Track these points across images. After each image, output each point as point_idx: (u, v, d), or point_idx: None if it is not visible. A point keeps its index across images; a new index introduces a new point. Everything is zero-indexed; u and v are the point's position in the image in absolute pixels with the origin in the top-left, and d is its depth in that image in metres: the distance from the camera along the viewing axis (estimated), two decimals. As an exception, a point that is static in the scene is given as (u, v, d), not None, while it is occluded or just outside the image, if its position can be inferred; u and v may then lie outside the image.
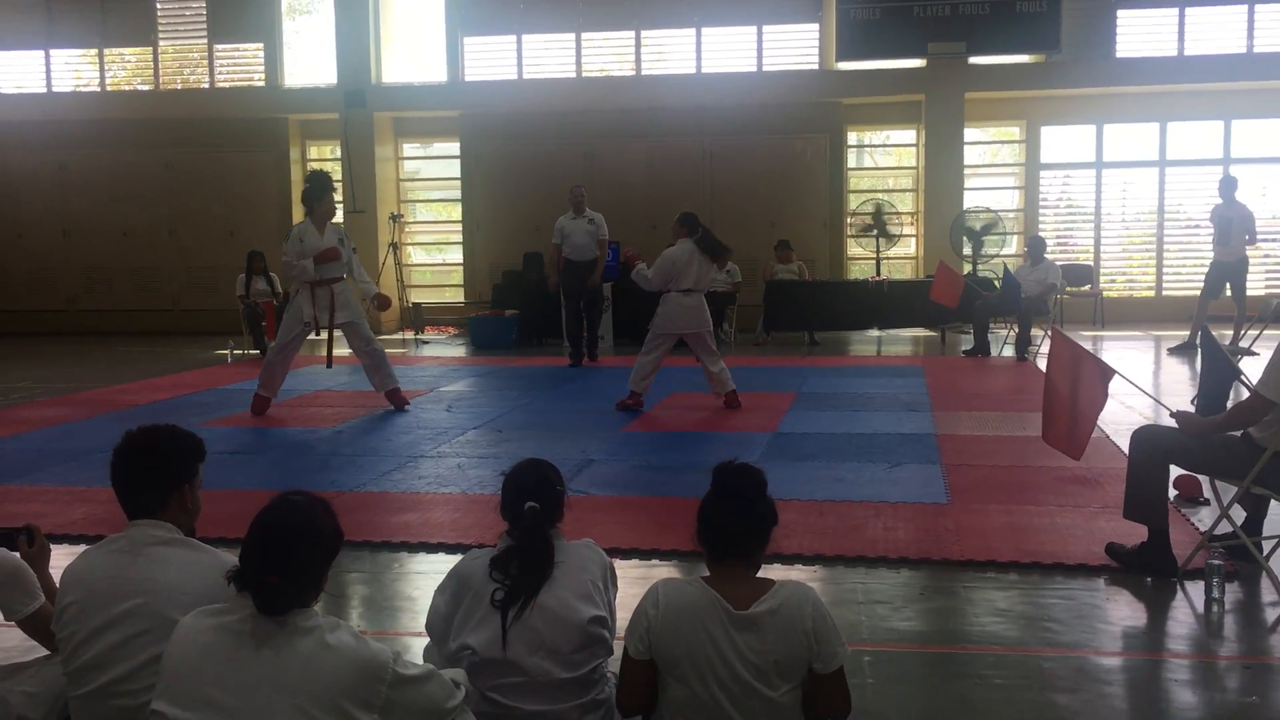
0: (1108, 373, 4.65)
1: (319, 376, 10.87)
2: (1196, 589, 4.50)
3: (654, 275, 8.80)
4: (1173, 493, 5.40)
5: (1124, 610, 4.42)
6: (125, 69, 17.57)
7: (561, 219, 12.29)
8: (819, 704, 2.72)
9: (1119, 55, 15.20)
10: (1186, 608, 4.42)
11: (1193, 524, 5.35)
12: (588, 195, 12.38)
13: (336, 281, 8.74)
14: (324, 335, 9.03)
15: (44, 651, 3.23)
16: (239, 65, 17.04)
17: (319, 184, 8.85)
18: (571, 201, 12.25)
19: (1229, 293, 12.27)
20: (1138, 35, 15.31)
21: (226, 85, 16.99)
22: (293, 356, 9.06)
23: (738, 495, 2.77)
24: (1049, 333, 12.13)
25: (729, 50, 16.04)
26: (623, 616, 2.94)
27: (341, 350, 9.36)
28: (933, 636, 4.13)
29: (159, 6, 16.85)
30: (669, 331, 8.88)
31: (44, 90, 17.28)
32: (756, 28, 15.87)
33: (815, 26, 15.76)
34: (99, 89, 17.24)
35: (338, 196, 16.56)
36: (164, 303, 17.02)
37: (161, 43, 17.06)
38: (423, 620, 3.26)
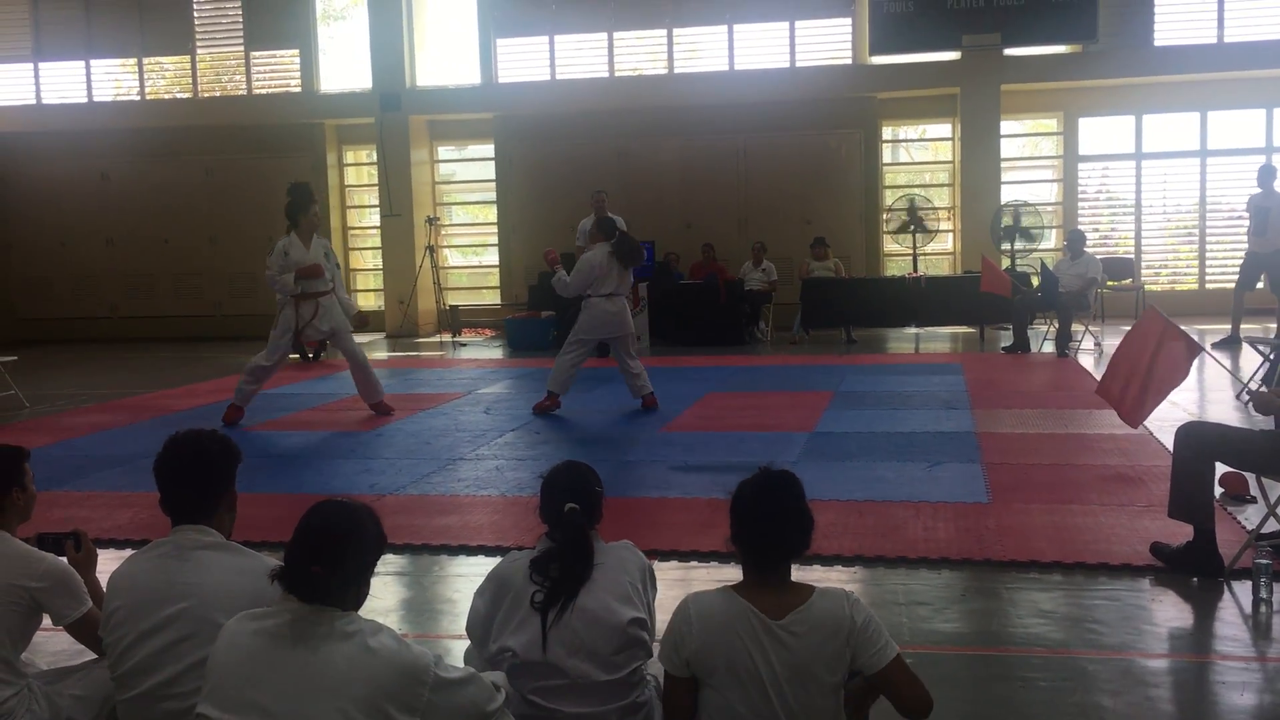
0: (1194, 349, 4.59)
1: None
2: (1244, 589, 4.43)
3: (573, 280, 8.77)
4: (1219, 490, 5.32)
5: (1170, 611, 4.36)
6: (164, 78, 17.80)
7: (584, 221, 12.65)
8: (895, 705, 2.69)
9: (1157, 44, 14.98)
10: (1234, 608, 4.35)
11: (1239, 522, 5.27)
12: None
13: (323, 295, 8.72)
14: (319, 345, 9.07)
15: (91, 655, 3.27)
16: (275, 72, 17.20)
17: (302, 196, 8.72)
18: (593, 205, 12.61)
19: (1262, 284, 12.07)
20: (1176, 23, 15.07)
21: (263, 92, 17.16)
22: (275, 371, 9.04)
23: (773, 506, 2.74)
24: (1089, 329, 11.92)
25: (762, 47, 15.98)
26: (661, 619, 2.94)
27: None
28: (975, 638, 4.10)
29: (196, 15, 17.04)
30: (591, 337, 8.87)
31: (85, 100, 17.54)
32: (789, 23, 15.80)
33: (848, 21, 15.67)
34: (139, 98, 17.48)
35: (373, 199, 16.88)
36: (205, 308, 17.23)
37: (199, 51, 17.26)
38: (463, 623, 3.28)
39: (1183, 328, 4.81)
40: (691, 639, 2.70)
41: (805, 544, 2.76)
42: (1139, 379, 4.76)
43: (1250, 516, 5.34)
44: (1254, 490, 5.57)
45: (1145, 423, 7.41)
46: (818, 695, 2.64)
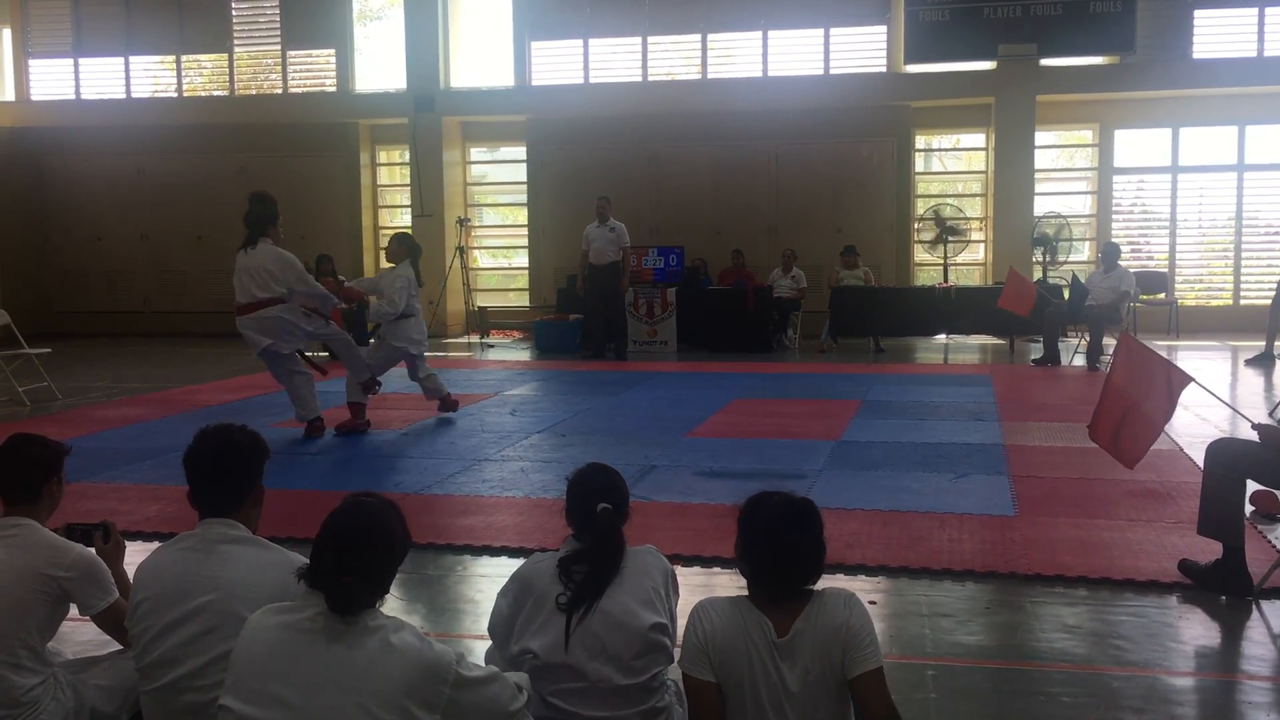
0: (1181, 380, 4.53)
1: (386, 380, 10.99)
2: (1273, 608, 4.39)
3: (401, 300, 8.48)
4: (1249, 508, 5.26)
5: (1196, 629, 4.32)
6: (202, 75, 17.99)
7: (588, 227, 13.13)
8: (860, 713, 2.65)
9: (1195, 56, 14.84)
10: (1262, 628, 4.30)
11: (1269, 541, 5.21)
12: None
13: None
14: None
15: (117, 646, 3.31)
16: (311, 71, 17.34)
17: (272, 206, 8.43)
18: (597, 211, 13.04)
19: None
20: (1215, 36, 14.93)
21: (299, 91, 17.30)
22: None
23: (791, 538, 2.72)
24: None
25: (795, 53, 15.96)
26: (682, 624, 2.93)
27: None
28: (998, 652, 4.07)
29: (234, 14, 17.21)
30: (405, 353, 8.65)
31: (123, 96, 17.74)
32: (823, 30, 15.78)
33: (883, 29, 15.62)
34: (176, 95, 17.67)
35: (405, 200, 16.99)
36: (236, 304, 17.34)
37: (236, 49, 17.43)
38: (485, 623, 3.29)
39: (1162, 354, 4.71)
40: (709, 644, 2.68)
41: (818, 574, 2.75)
42: (1125, 415, 4.67)
43: (1281, 536, 5.29)
44: (1285, 509, 5.52)
45: (1175, 439, 7.38)
46: (830, 704, 2.63)
